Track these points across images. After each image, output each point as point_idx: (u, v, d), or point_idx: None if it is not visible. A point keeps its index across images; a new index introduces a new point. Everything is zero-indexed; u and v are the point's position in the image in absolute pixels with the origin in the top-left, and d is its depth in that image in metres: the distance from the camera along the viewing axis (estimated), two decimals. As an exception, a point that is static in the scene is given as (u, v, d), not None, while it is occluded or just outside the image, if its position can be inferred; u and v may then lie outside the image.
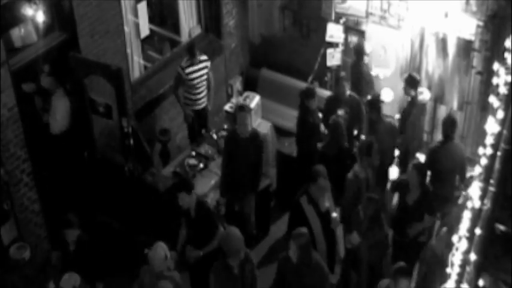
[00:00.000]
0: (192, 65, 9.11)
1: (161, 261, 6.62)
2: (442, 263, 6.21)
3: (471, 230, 4.57)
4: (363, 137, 9.11)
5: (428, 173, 8.21)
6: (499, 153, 4.24)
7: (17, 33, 7.81)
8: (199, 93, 9.36)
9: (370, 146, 7.79)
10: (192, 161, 9.07)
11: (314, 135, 8.92)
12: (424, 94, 9.04)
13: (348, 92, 9.05)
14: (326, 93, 9.87)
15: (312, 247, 7.11)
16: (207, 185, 8.87)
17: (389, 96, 9.35)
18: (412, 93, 8.80)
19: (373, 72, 9.68)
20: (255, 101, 9.90)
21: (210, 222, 7.34)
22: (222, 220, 8.33)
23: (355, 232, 7.23)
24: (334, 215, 7.37)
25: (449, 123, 8.09)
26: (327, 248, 7.36)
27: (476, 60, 8.95)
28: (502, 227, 5.06)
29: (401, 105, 9.26)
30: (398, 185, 7.95)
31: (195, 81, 9.21)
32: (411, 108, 8.82)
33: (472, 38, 8.87)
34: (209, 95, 9.47)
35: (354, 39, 10.00)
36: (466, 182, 7.77)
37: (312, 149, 8.83)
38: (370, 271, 7.24)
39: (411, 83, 8.79)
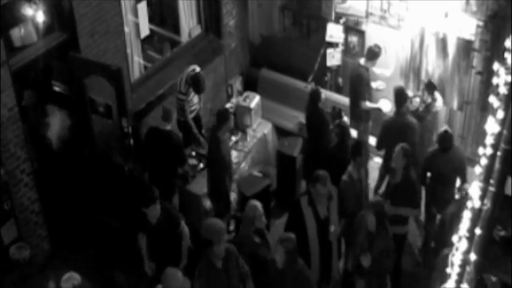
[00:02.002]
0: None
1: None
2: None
3: (471, 230, 4.57)
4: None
5: (428, 174, 8.28)
6: (499, 153, 4.24)
7: (17, 33, 7.80)
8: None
9: (357, 148, 7.79)
10: (192, 161, 9.07)
11: (325, 135, 8.92)
12: (438, 101, 8.98)
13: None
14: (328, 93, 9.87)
15: (305, 251, 7.08)
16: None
17: (388, 106, 9.36)
18: (429, 99, 8.79)
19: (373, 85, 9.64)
20: (255, 101, 9.91)
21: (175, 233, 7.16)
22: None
23: (368, 254, 7.13)
24: (333, 228, 7.30)
25: (447, 138, 8.07)
26: (321, 257, 7.32)
27: (476, 60, 8.95)
28: (501, 233, 5.08)
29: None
30: (385, 169, 7.95)
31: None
32: (426, 114, 8.81)
33: (472, 38, 8.87)
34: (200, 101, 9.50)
35: (353, 39, 10.01)
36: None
37: (321, 149, 8.84)
38: (374, 279, 7.17)
39: (429, 88, 8.78)
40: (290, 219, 7.42)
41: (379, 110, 9.47)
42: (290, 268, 6.41)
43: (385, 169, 8.45)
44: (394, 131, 8.48)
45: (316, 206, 7.18)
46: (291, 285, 6.47)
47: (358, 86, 9.35)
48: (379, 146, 8.89)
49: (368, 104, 9.37)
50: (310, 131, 9.17)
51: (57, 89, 8.66)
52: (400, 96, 8.55)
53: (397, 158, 7.61)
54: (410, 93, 9.23)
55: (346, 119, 9.39)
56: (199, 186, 8.91)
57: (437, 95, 9.02)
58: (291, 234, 6.54)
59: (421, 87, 9.14)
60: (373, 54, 9.26)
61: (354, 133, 9.54)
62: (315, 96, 8.92)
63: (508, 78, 4.05)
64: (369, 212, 6.90)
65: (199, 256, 6.94)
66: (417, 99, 9.25)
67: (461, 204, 6.95)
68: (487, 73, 8.65)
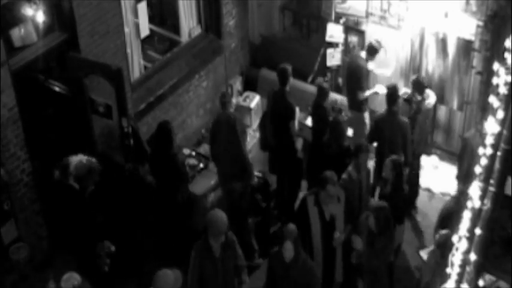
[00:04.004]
0: None
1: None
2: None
3: (471, 230, 4.57)
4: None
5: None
6: (499, 153, 4.24)
7: (17, 33, 7.80)
8: None
9: (359, 149, 7.79)
10: (192, 161, 9.07)
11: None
12: (430, 98, 8.98)
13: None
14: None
15: (309, 249, 7.11)
16: (207, 185, 8.88)
17: (384, 90, 9.40)
18: (418, 98, 8.77)
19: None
20: (255, 101, 9.91)
21: None
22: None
23: (358, 237, 7.18)
24: (337, 234, 7.31)
25: None
26: (325, 259, 7.33)
27: (476, 60, 8.95)
28: (501, 233, 5.07)
29: (404, 108, 9.21)
30: (376, 177, 7.98)
31: None
32: (417, 115, 8.80)
33: (472, 38, 8.87)
34: None
35: (353, 39, 10.02)
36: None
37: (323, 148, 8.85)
38: (373, 276, 7.18)
39: (418, 87, 8.76)
40: (295, 218, 7.41)
41: (376, 93, 9.57)
42: (294, 259, 6.46)
43: (377, 178, 8.43)
44: (385, 131, 8.49)
45: (322, 207, 7.19)
46: (295, 274, 6.52)
47: (358, 76, 9.41)
48: (370, 140, 8.92)
49: (366, 93, 9.46)
50: (314, 130, 9.13)
51: (57, 89, 8.66)
52: (391, 95, 8.55)
53: (387, 170, 7.64)
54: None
55: (345, 118, 9.42)
56: (200, 186, 8.91)
57: (428, 91, 9.00)
58: (292, 225, 6.64)
59: (410, 86, 9.10)
60: (374, 49, 9.34)
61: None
62: (320, 95, 8.91)
63: (508, 78, 4.05)
64: (371, 214, 6.93)
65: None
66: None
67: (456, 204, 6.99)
68: (487, 73, 8.64)
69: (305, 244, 7.01)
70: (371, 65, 9.52)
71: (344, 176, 7.73)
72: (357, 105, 9.54)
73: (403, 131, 8.44)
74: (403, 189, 7.83)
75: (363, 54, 9.43)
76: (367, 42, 9.65)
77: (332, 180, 7.12)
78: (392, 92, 8.55)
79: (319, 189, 7.21)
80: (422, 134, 8.96)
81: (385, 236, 6.93)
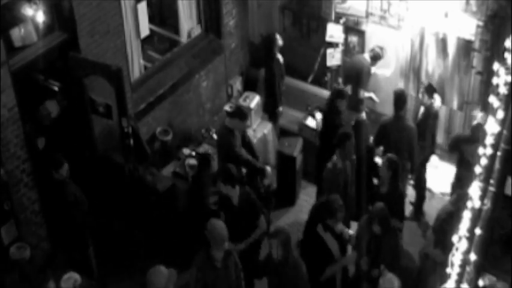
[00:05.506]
0: None
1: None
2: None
3: (471, 230, 4.57)
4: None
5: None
6: (499, 153, 4.24)
7: (17, 33, 7.80)
8: None
9: (344, 138, 7.78)
10: (192, 161, 9.07)
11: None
12: (437, 101, 8.99)
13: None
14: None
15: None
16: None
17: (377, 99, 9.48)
18: (428, 102, 8.78)
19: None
20: (255, 101, 9.91)
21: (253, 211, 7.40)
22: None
23: (365, 258, 7.18)
24: (351, 232, 7.33)
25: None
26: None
27: (476, 60, 8.95)
28: (501, 233, 5.08)
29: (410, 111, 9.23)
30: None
31: None
32: (428, 119, 8.80)
33: (472, 38, 8.88)
34: None
35: (353, 39, 10.02)
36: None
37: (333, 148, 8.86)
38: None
39: (429, 90, 8.76)
40: (311, 249, 7.30)
41: (371, 99, 9.60)
42: (285, 260, 6.47)
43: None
44: (391, 135, 8.47)
45: (333, 228, 7.19)
46: (285, 277, 6.52)
47: (360, 74, 9.41)
48: (375, 143, 8.91)
49: (365, 93, 9.49)
50: (326, 127, 9.11)
51: (56, 88, 8.67)
52: (399, 100, 8.53)
53: (383, 170, 7.64)
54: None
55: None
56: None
57: (435, 95, 9.01)
58: (282, 227, 6.64)
59: (421, 90, 9.12)
60: (377, 55, 9.39)
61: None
62: (338, 95, 8.91)
63: (508, 78, 4.05)
64: (374, 219, 6.92)
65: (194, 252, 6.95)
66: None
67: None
68: (487, 73, 8.65)
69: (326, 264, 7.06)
70: (374, 70, 9.55)
71: (328, 165, 7.71)
72: (355, 105, 9.54)
73: (409, 136, 8.44)
74: (400, 189, 7.82)
75: (366, 55, 9.45)
76: (369, 46, 9.67)
77: (341, 208, 7.08)
78: (399, 96, 8.53)
79: (325, 218, 7.16)
80: (432, 138, 8.97)
81: (390, 237, 6.91)
